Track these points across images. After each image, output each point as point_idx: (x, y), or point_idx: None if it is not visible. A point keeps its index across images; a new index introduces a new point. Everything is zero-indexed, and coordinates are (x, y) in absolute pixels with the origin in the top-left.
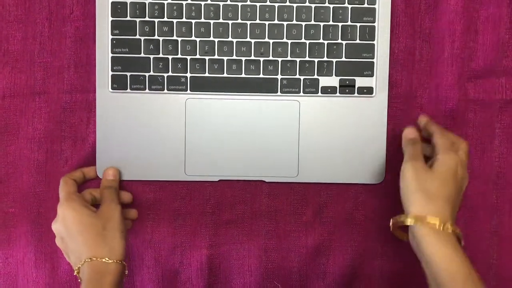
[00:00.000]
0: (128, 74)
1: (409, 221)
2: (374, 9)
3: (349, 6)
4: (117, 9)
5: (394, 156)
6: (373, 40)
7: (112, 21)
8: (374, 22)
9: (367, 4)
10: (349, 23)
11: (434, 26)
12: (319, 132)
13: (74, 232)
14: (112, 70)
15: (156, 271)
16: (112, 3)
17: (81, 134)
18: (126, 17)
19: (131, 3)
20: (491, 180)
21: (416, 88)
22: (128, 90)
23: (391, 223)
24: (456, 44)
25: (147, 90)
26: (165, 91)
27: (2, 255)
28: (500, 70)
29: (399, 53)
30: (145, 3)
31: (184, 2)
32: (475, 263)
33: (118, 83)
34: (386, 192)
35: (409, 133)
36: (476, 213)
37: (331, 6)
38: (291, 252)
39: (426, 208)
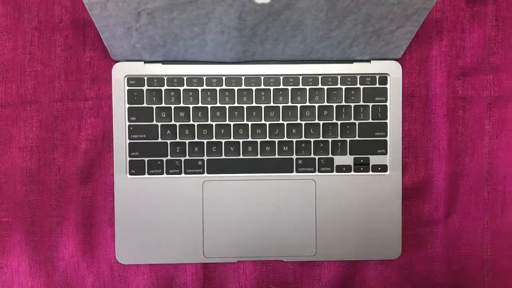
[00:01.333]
0: (146, 159)
1: None
2: (386, 89)
3: (361, 87)
4: (134, 96)
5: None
6: (386, 119)
7: (128, 108)
8: (386, 102)
9: (379, 84)
10: (361, 103)
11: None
12: (336, 210)
13: None
14: (130, 156)
15: (151, 276)
16: (129, 90)
17: (73, 142)
18: (143, 104)
19: (147, 90)
20: (482, 176)
21: (406, 87)
22: (146, 175)
23: None
24: (443, 42)
25: (164, 175)
26: (183, 174)
27: None
28: (487, 67)
29: None
30: (161, 90)
31: (199, 88)
32: (470, 259)
33: (136, 169)
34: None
35: None
36: (468, 210)
37: (343, 87)
38: None
39: None
